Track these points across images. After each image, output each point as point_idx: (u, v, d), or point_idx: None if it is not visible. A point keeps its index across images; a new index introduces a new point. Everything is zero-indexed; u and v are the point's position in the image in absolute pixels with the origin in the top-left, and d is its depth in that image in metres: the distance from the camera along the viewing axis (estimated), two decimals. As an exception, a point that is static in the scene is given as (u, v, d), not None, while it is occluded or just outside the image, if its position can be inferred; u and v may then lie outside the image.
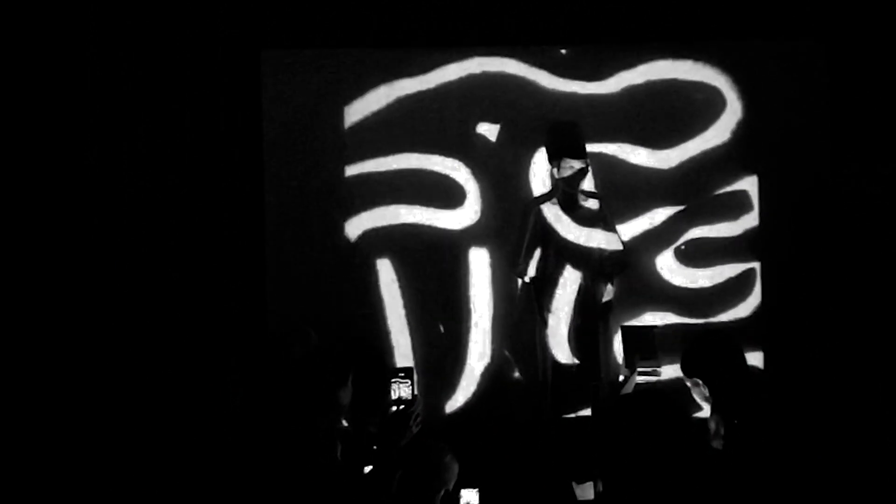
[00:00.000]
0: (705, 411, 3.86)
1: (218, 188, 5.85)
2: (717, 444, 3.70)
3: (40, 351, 5.61)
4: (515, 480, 5.15)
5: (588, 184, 5.78)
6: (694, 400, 3.90)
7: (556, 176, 5.72)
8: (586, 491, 4.54)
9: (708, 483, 2.70)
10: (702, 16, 5.89)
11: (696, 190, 5.94)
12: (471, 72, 5.94)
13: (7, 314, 5.64)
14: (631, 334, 5.57)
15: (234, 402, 3.59)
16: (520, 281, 5.87)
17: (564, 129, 5.76)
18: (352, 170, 5.91)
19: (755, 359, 5.82)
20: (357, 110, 5.92)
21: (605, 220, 5.77)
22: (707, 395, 3.80)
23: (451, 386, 5.86)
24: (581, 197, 5.75)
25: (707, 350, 3.84)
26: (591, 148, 5.77)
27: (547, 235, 5.78)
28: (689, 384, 3.87)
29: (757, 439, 3.54)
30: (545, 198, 5.81)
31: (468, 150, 5.93)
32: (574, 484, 4.60)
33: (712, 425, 3.75)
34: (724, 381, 3.75)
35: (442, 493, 3.64)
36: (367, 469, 3.41)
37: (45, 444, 5.41)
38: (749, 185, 5.94)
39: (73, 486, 5.18)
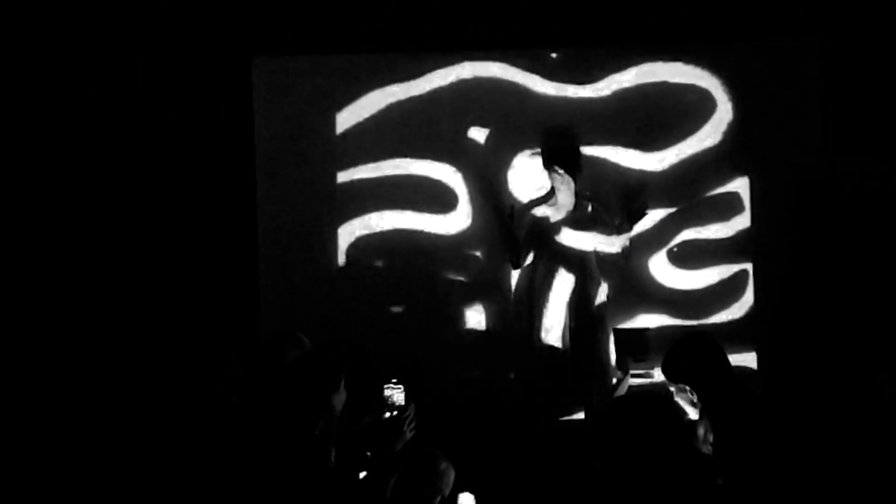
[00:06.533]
0: (692, 416, 3.86)
1: (210, 194, 5.85)
2: (705, 449, 3.70)
3: (34, 353, 5.60)
4: (511, 485, 5.16)
5: (582, 187, 5.79)
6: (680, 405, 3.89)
7: (549, 180, 5.76)
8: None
9: (699, 486, 2.71)
10: (692, 17, 5.90)
11: (687, 192, 5.94)
12: (462, 76, 5.94)
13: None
14: (624, 337, 5.60)
15: (232, 400, 3.58)
16: (514, 284, 5.88)
17: (557, 134, 5.80)
18: (343, 176, 5.91)
19: (748, 359, 5.83)
20: (349, 116, 5.92)
21: (601, 222, 5.78)
22: (693, 399, 3.79)
23: (446, 391, 5.86)
24: (575, 200, 5.76)
25: (689, 354, 3.83)
26: (583, 151, 5.80)
27: (541, 238, 5.79)
28: (673, 389, 3.86)
29: (746, 441, 3.54)
30: (540, 201, 5.83)
31: (460, 154, 5.93)
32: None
33: (701, 431, 3.75)
34: (708, 384, 3.74)
35: (438, 499, 3.64)
36: (362, 475, 3.41)
37: (39, 444, 5.40)
38: (740, 186, 5.95)
39: (64, 488, 5.17)
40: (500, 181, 5.93)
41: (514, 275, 5.89)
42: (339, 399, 3.38)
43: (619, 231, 5.70)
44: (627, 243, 5.74)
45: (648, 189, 5.77)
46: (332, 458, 3.35)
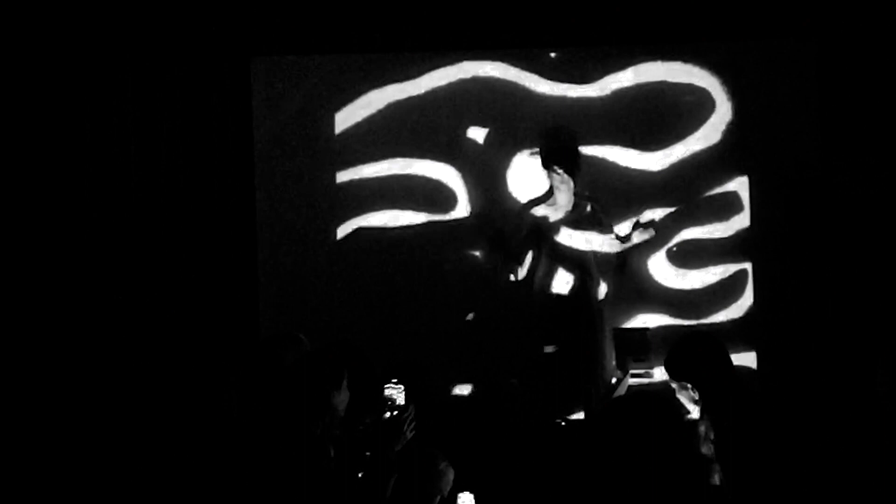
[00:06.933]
0: (693, 414, 3.86)
1: (209, 195, 5.85)
2: (706, 448, 3.69)
3: (33, 354, 5.60)
4: (511, 485, 5.15)
5: (581, 187, 5.79)
6: (682, 403, 3.89)
7: (548, 179, 5.76)
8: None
9: (700, 486, 2.70)
10: (690, 17, 5.90)
11: (686, 191, 5.95)
12: (460, 76, 5.95)
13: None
14: (623, 337, 5.61)
15: (231, 402, 3.59)
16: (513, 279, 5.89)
17: (556, 134, 5.80)
18: (343, 175, 5.92)
19: (748, 359, 5.83)
20: (347, 116, 5.93)
21: (599, 222, 5.79)
22: (695, 397, 3.79)
23: (446, 390, 5.86)
24: (574, 200, 5.76)
25: (692, 352, 3.83)
26: (582, 150, 5.80)
27: (540, 238, 5.79)
28: (675, 386, 3.86)
29: (747, 440, 3.54)
30: (539, 200, 5.84)
31: (459, 154, 5.94)
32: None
33: (702, 429, 3.74)
34: (710, 383, 3.74)
35: (437, 499, 3.64)
36: (361, 475, 3.41)
37: (41, 446, 5.40)
38: (739, 185, 5.95)
39: (67, 489, 5.18)
40: (498, 182, 5.93)
41: (514, 274, 5.90)
42: (342, 399, 3.37)
43: (621, 241, 5.69)
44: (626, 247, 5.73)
45: (658, 224, 5.71)
46: (332, 458, 3.35)
